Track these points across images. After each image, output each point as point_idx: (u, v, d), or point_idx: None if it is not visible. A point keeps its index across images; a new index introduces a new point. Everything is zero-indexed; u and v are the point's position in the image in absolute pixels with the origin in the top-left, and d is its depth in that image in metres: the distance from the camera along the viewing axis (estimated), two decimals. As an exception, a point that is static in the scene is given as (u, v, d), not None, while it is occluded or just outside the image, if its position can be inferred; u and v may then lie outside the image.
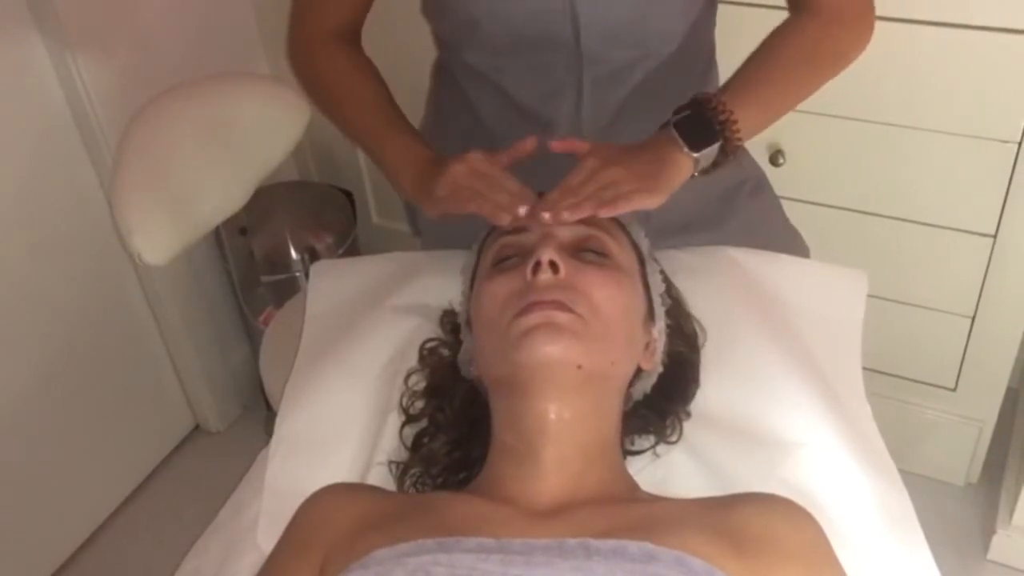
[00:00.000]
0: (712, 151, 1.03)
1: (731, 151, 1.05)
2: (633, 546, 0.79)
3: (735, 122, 1.04)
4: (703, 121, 1.04)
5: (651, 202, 0.98)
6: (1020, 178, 1.56)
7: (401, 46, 1.24)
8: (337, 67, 1.20)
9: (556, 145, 1.02)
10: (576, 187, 0.97)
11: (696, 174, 1.04)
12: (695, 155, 1.02)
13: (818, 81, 1.13)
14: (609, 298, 0.92)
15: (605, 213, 0.95)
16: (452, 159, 1.03)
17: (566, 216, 0.94)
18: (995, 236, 1.64)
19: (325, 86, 1.22)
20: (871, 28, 1.14)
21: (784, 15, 1.16)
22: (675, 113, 1.05)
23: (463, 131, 1.20)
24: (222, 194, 1.62)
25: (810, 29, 1.12)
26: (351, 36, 1.22)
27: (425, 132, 1.26)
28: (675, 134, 1.02)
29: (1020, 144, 1.53)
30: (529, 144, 1.03)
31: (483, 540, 0.82)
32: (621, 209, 0.96)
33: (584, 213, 0.94)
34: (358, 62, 1.21)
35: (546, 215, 0.94)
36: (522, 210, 0.96)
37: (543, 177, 1.02)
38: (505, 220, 0.96)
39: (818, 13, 1.12)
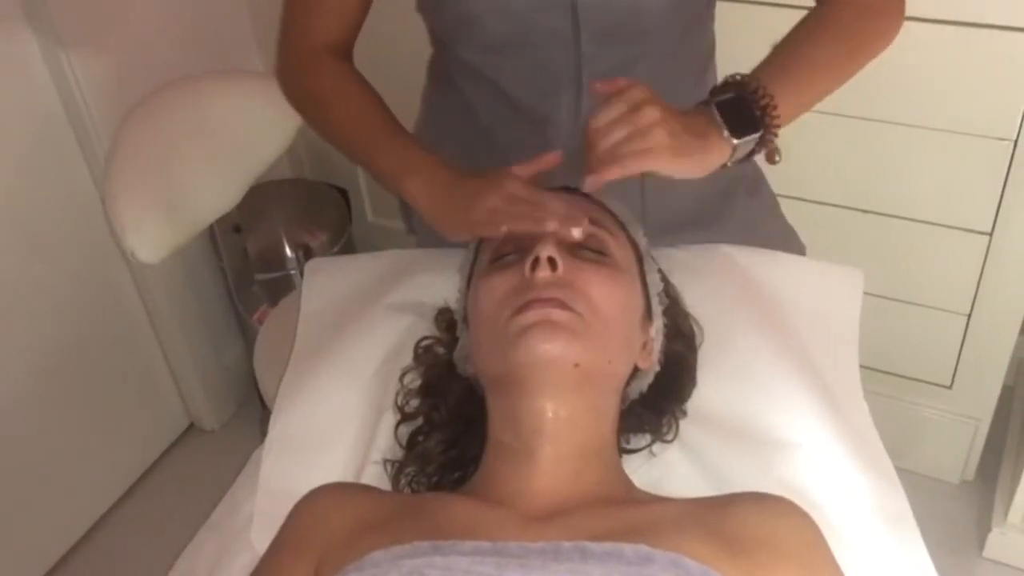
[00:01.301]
0: (751, 140, 0.97)
1: (766, 142, 0.99)
2: (629, 548, 0.79)
3: (775, 107, 0.97)
4: (744, 105, 0.97)
5: (676, 167, 0.92)
6: (1016, 176, 1.57)
7: (395, 44, 1.24)
8: (327, 80, 1.16)
9: (601, 86, 0.95)
10: (609, 126, 0.91)
11: (729, 164, 0.98)
12: (735, 141, 0.96)
13: (849, 71, 1.08)
14: (607, 296, 0.92)
15: (626, 171, 0.89)
16: (480, 182, 0.98)
17: (587, 184, 0.90)
18: (991, 234, 1.64)
19: (316, 100, 1.18)
20: (901, 16, 1.10)
21: (782, 12, 1.16)
22: (713, 94, 0.99)
23: (459, 130, 1.19)
24: (216, 192, 1.61)
25: (841, 16, 1.07)
26: (344, 53, 1.19)
27: (420, 131, 1.26)
28: (717, 116, 0.96)
29: (1016, 142, 1.54)
30: (554, 158, 0.99)
31: (478, 543, 0.81)
32: (640, 167, 0.90)
33: (607, 176, 0.89)
34: (349, 75, 1.18)
35: (577, 232, 0.91)
36: (577, 232, 0.92)
37: (541, 174, 1.01)
38: (552, 226, 0.92)
39: (846, 1, 1.08)
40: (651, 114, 0.90)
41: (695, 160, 0.94)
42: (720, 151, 0.96)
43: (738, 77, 1.00)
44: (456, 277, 1.11)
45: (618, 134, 0.90)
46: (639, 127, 0.90)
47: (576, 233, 0.92)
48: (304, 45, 1.18)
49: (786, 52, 1.05)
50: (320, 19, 1.17)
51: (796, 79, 1.02)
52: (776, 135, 0.99)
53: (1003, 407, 1.91)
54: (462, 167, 1.04)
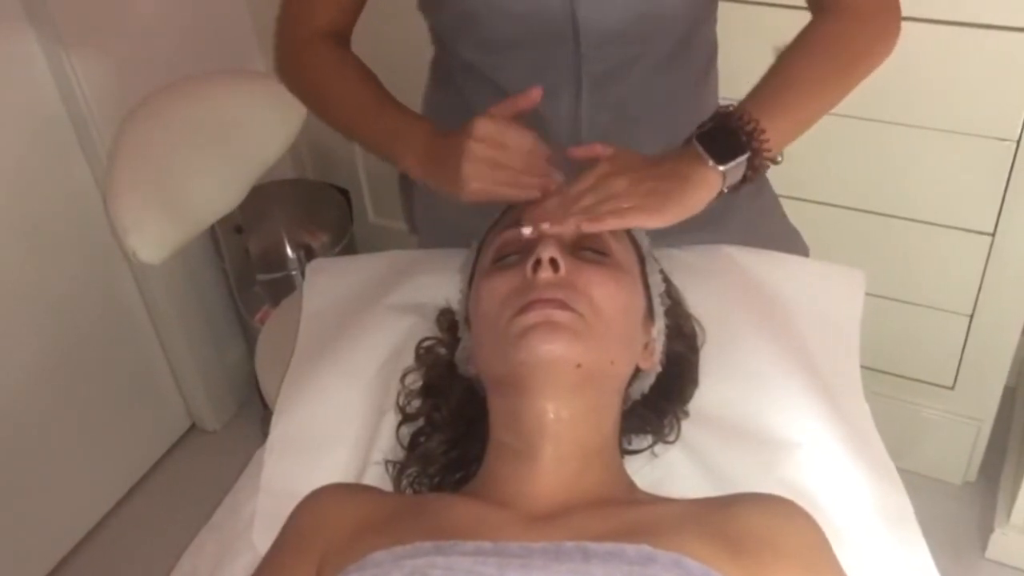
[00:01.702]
0: (740, 164, 0.99)
1: (761, 164, 1.00)
2: (631, 548, 0.79)
3: (763, 131, 1.00)
4: (728, 132, 1.00)
5: (651, 222, 0.96)
6: (1018, 176, 1.56)
7: (397, 44, 1.24)
8: (324, 63, 1.18)
9: (577, 151, 1.01)
10: (576, 195, 0.96)
11: (725, 190, 1.00)
12: (721, 169, 0.98)
13: (846, 82, 1.09)
14: (609, 297, 0.91)
15: (588, 228, 0.94)
16: (461, 136, 1.00)
17: (544, 228, 0.94)
18: (993, 234, 1.64)
19: (313, 83, 1.20)
20: (897, 22, 1.11)
21: (783, 12, 1.16)
22: (698, 129, 1.01)
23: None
24: (218, 192, 1.61)
25: (831, 29, 1.09)
26: (342, 40, 1.21)
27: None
28: (699, 148, 0.99)
29: (1018, 142, 1.53)
30: (535, 94, 1.01)
31: (480, 543, 0.81)
32: (610, 226, 0.95)
33: (567, 228, 0.95)
34: (346, 58, 1.19)
35: (538, 226, 0.95)
36: (558, 176, 0.99)
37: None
38: (535, 194, 0.99)
39: (838, 11, 1.09)
40: (618, 184, 0.95)
41: (680, 205, 0.97)
42: (709, 183, 0.98)
43: (721, 109, 1.03)
44: (457, 278, 1.12)
45: (590, 200, 0.95)
46: (608, 195, 0.95)
47: (545, 228, 0.95)
48: (302, 31, 1.19)
49: (777, 73, 1.07)
50: (318, 7, 1.18)
51: (786, 100, 1.04)
52: (770, 157, 1.00)
53: (1005, 408, 1.91)
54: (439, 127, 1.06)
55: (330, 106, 1.19)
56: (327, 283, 1.26)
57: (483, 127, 0.98)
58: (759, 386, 1.05)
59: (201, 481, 1.51)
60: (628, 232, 1.03)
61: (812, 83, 1.07)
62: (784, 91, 1.05)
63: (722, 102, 1.13)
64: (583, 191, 0.97)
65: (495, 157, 0.98)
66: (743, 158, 0.99)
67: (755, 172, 1.00)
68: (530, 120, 1.12)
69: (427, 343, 1.10)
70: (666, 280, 1.06)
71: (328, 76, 1.18)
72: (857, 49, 1.09)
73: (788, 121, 1.03)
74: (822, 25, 1.10)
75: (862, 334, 1.15)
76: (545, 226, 0.94)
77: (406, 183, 1.39)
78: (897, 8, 1.11)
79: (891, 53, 1.11)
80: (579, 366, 0.88)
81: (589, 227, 0.94)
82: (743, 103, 1.03)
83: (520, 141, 0.99)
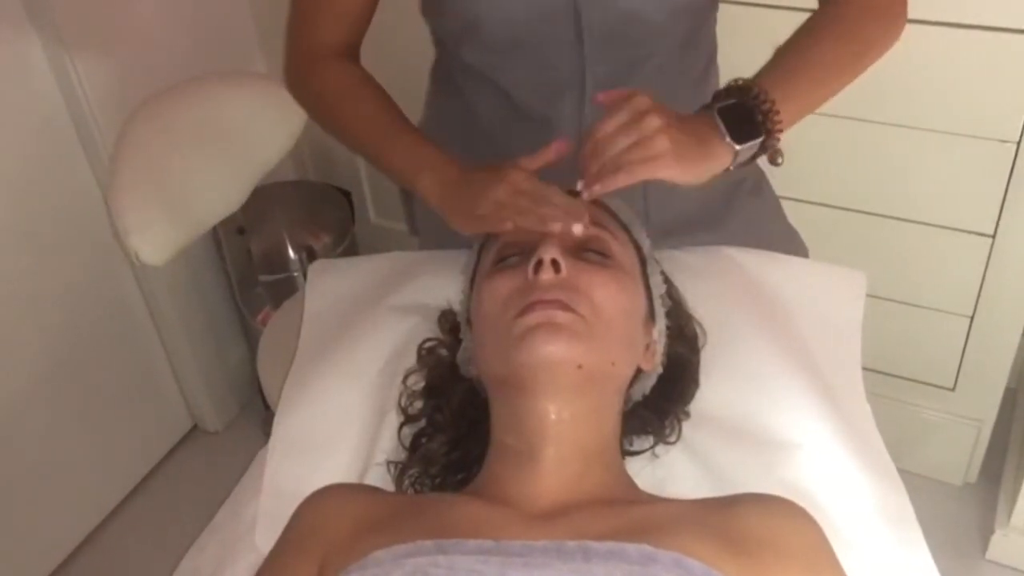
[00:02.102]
0: (753, 146, 0.98)
1: (769, 146, 0.99)
2: (632, 548, 0.79)
3: (777, 112, 0.98)
4: (746, 110, 0.97)
5: (680, 173, 0.92)
6: (1019, 177, 1.57)
7: (399, 48, 1.24)
8: (335, 82, 1.17)
9: (604, 97, 0.96)
10: (612, 133, 0.92)
11: (731, 168, 0.99)
12: (737, 147, 0.96)
13: (855, 71, 1.08)
14: (610, 298, 0.92)
15: (630, 180, 0.90)
16: (487, 175, 0.99)
17: (597, 189, 0.91)
18: (994, 236, 1.64)
19: (325, 101, 1.19)
20: (905, 12, 1.10)
21: (783, 13, 1.16)
22: (716, 99, 1.00)
23: (461, 132, 1.19)
24: (220, 194, 1.62)
25: (845, 15, 1.07)
26: (351, 55, 1.20)
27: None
28: (719, 122, 0.96)
29: (1019, 144, 1.53)
30: (564, 146, 0.99)
31: (482, 542, 0.81)
32: (644, 175, 0.91)
33: (612, 186, 0.91)
34: (357, 75, 1.19)
35: (578, 228, 0.93)
36: (577, 228, 0.93)
37: (543, 176, 1.01)
38: (556, 227, 0.93)
39: (849, 2, 1.08)
40: (654, 122, 0.91)
41: (698, 166, 0.95)
42: (722, 157, 0.96)
43: (740, 82, 1.00)
44: (459, 279, 1.12)
45: (624, 142, 0.91)
46: (643, 135, 0.91)
47: (577, 229, 0.93)
48: (311, 47, 1.18)
49: (789, 55, 1.05)
50: (327, 21, 1.17)
51: (798, 83, 1.02)
52: (778, 139, 0.99)
53: (1006, 409, 1.91)
54: (471, 162, 1.05)
55: (345, 126, 1.17)
56: (329, 284, 1.26)
57: (515, 175, 0.97)
58: (760, 387, 1.05)
59: (203, 482, 1.51)
60: (629, 233, 1.03)
61: (825, 69, 1.06)
62: (798, 75, 1.03)
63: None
64: (618, 128, 0.92)
65: (517, 203, 0.96)
66: (757, 141, 0.98)
67: (762, 153, 1.00)
68: (534, 123, 1.13)
69: (429, 344, 1.10)
70: (667, 281, 1.06)
71: (342, 97, 1.17)
72: (869, 38, 1.08)
73: (799, 105, 1.02)
74: (835, 12, 1.08)
75: (863, 335, 1.15)
76: (556, 226, 0.92)
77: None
78: (903, 3, 1.10)
79: (896, 42, 1.10)
80: (580, 367, 0.88)
81: (632, 177, 0.90)
82: (760, 80, 1.01)
83: (553, 195, 0.95)
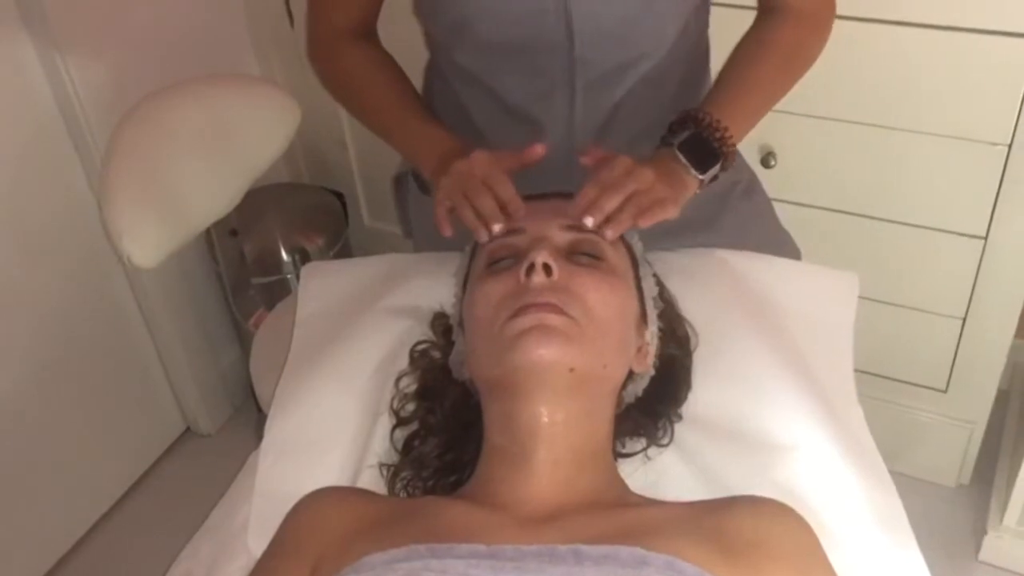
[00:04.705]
0: (715, 170, 1.06)
1: (727, 165, 1.08)
2: (624, 551, 0.79)
3: (730, 136, 1.06)
4: (702, 141, 1.06)
5: (674, 213, 0.99)
6: (1010, 180, 1.57)
7: (392, 48, 1.24)
8: (356, 62, 1.22)
9: (588, 159, 1.03)
10: (614, 183, 0.97)
11: (698, 191, 1.06)
12: (702, 177, 1.04)
13: (792, 83, 1.17)
14: (602, 301, 0.92)
15: (645, 223, 0.96)
16: (461, 160, 1.03)
17: (609, 234, 0.96)
18: (986, 238, 1.65)
19: (346, 82, 1.23)
20: (832, 17, 1.18)
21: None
22: (671, 131, 1.07)
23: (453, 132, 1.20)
24: (212, 196, 1.61)
25: (783, 35, 1.15)
26: (367, 32, 1.24)
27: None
28: (681, 158, 1.04)
29: (1010, 146, 1.54)
30: (539, 150, 1.04)
31: (474, 546, 0.81)
32: (656, 218, 0.97)
33: (626, 226, 0.96)
34: (376, 56, 1.23)
35: (589, 220, 0.96)
36: (496, 227, 0.97)
37: (533, 178, 1.02)
38: (482, 237, 0.98)
39: (788, 15, 1.15)
40: (648, 173, 0.98)
41: (677, 203, 1.01)
42: (691, 187, 1.05)
43: (693, 114, 1.07)
44: (452, 281, 1.12)
45: (630, 186, 0.97)
46: (641, 186, 0.97)
47: (610, 234, 0.96)
48: (330, 30, 1.23)
49: (732, 78, 1.14)
50: (343, 4, 1.22)
51: (744, 104, 1.11)
52: (732, 156, 1.08)
53: (998, 411, 1.91)
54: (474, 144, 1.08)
55: (362, 110, 1.23)
56: (322, 286, 1.26)
57: (477, 155, 1.03)
58: (752, 389, 1.05)
59: (196, 484, 1.51)
60: (621, 236, 1.03)
61: (768, 86, 1.15)
62: (745, 96, 1.12)
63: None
64: (619, 179, 0.97)
65: (464, 185, 1.00)
66: (717, 167, 1.06)
67: (722, 171, 1.07)
68: (525, 124, 1.13)
69: (421, 347, 1.10)
70: (659, 283, 1.06)
71: (361, 78, 1.22)
72: (805, 54, 1.17)
73: (747, 124, 1.11)
74: (772, 29, 1.16)
75: (855, 337, 1.16)
76: (588, 221, 0.96)
77: (400, 187, 1.39)
78: (833, 15, 1.18)
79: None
80: (572, 370, 0.88)
81: (645, 222, 0.96)
82: (708, 107, 1.09)
83: (499, 184, 1.00)
